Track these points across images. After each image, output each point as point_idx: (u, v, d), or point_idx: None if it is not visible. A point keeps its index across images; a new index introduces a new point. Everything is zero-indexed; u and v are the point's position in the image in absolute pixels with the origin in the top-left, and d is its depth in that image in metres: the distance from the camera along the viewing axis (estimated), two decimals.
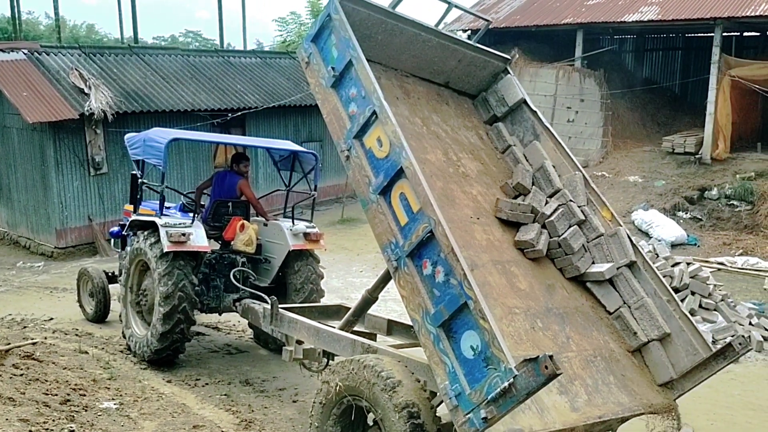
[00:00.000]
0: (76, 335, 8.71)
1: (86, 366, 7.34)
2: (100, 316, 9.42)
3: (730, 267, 12.86)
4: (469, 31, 18.77)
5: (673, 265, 9.80)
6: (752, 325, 9.43)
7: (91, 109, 13.71)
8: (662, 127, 20.18)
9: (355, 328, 6.33)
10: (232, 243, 8.01)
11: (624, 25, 18.83)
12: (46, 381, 6.56)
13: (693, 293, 9.42)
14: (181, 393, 6.99)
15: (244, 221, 8.09)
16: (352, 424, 4.91)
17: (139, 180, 8.26)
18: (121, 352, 8.05)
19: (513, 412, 3.87)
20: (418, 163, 4.54)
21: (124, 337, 8.06)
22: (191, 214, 7.77)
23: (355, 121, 4.91)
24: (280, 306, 6.70)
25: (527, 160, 5.94)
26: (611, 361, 4.95)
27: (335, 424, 4.93)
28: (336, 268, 12.57)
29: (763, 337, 9.15)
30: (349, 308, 6.51)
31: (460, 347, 4.10)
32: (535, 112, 6.08)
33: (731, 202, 15.63)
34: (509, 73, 6.26)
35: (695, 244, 14.40)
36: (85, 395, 6.44)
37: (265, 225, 8.28)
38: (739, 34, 21.01)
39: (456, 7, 5.84)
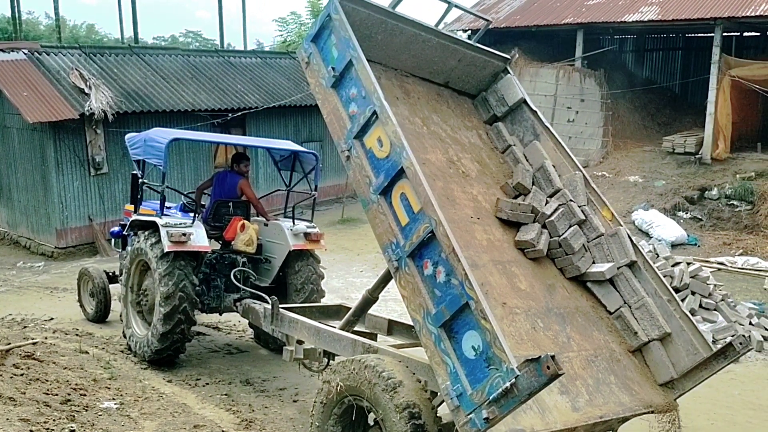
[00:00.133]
0: (77, 335, 8.71)
1: (87, 366, 7.35)
2: (100, 316, 9.43)
3: (730, 267, 12.87)
4: (469, 31, 18.77)
5: (673, 265, 9.81)
6: (752, 324, 9.44)
7: (91, 109, 13.72)
8: (662, 127, 20.18)
9: (356, 328, 6.33)
10: (232, 243, 8.01)
11: (624, 25, 18.84)
12: (47, 381, 6.56)
13: (693, 293, 9.42)
14: (181, 393, 6.99)
15: (245, 221, 8.09)
16: (353, 424, 4.91)
17: (140, 180, 8.26)
18: (122, 351, 8.05)
19: (514, 412, 3.87)
20: (419, 163, 4.54)
21: (125, 336, 8.06)
22: (192, 214, 7.77)
23: (355, 121, 4.91)
24: (280, 306, 6.71)
25: (527, 160, 5.94)
26: (612, 360, 4.95)
27: (336, 423, 4.93)
28: (336, 268, 12.57)
29: (763, 336, 9.16)
30: (350, 308, 6.51)
31: (461, 347, 4.10)
32: (535, 111, 6.08)
33: (731, 202, 15.64)
34: (509, 72, 6.26)
35: (695, 244, 14.40)
36: (85, 395, 6.44)
37: (266, 225, 8.28)
38: (739, 34, 21.02)
39: (456, 7, 5.83)
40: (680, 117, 20.62)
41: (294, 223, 8.13)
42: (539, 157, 5.87)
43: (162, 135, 7.84)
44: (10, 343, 7.46)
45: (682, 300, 9.02)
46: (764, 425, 6.94)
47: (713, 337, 8.49)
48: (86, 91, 14.08)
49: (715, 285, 9.78)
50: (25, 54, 14.63)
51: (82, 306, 9.69)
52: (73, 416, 5.85)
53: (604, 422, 4.50)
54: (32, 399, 5.97)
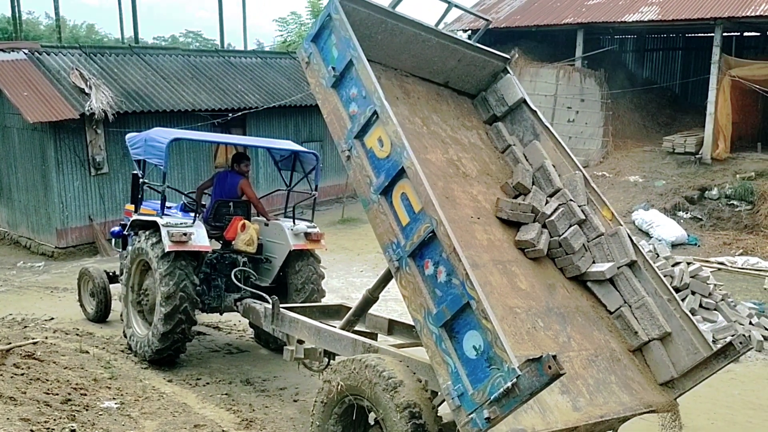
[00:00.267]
0: (77, 335, 8.71)
1: (87, 365, 7.35)
2: (100, 316, 9.43)
3: (731, 267, 12.87)
4: (469, 31, 18.78)
5: (673, 265, 9.81)
6: (752, 324, 9.45)
7: (91, 109, 13.71)
8: (662, 127, 20.19)
9: (356, 328, 6.34)
10: (233, 243, 8.01)
11: (624, 25, 18.85)
12: (47, 380, 6.57)
13: (693, 293, 9.43)
14: (182, 392, 7.00)
15: (245, 221, 8.09)
16: (354, 423, 4.92)
17: (140, 180, 8.26)
18: (122, 351, 8.06)
19: (515, 412, 3.87)
20: (419, 163, 4.54)
21: (125, 336, 8.07)
22: (192, 214, 7.78)
23: (355, 121, 4.91)
24: (281, 306, 6.71)
25: (527, 160, 5.94)
26: (612, 360, 4.95)
27: (336, 423, 4.93)
28: (337, 267, 12.58)
29: (763, 336, 9.16)
30: (350, 308, 6.52)
31: (462, 347, 4.10)
32: (535, 111, 6.08)
33: (731, 202, 15.64)
34: (509, 72, 6.26)
35: (695, 244, 14.40)
36: (86, 395, 6.45)
37: (266, 225, 8.29)
38: (739, 34, 21.03)
39: (456, 6, 5.84)
40: (680, 117, 20.63)
41: (294, 222, 8.13)
42: (539, 156, 5.88)
43: (162, 135, 7.84)
44: (10, 343, 7.47)
45: (683, 300, 9.02)
46: (764, 425, 6.95)
47: (713, 337, 8.49)
48: (86, 91, 14.08)
49: (715, 285, 9.79)
50: (25, 54, 14.63)
51: (82, 306, 9.69)
52: (74, 416, 5.85)
53: (604, 422, 4.51)
54: (33, 399, 5.97)
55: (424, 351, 4.42)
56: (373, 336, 6.42)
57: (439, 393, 4.45)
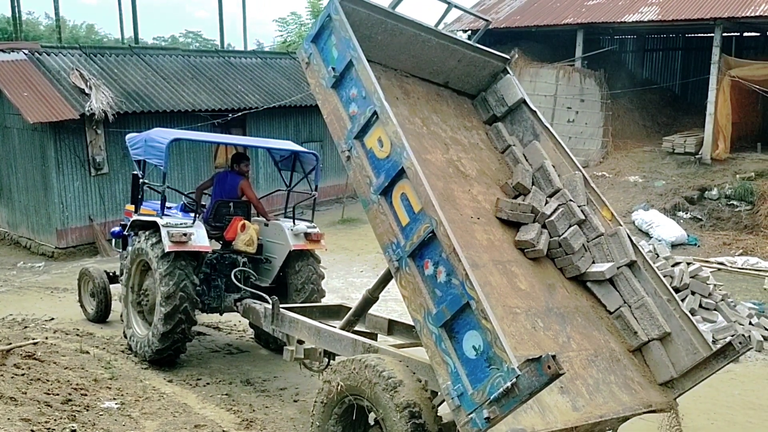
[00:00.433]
0: (77, 335, 8.72)
1: (87, 366, 7.36)
2: (101, 316, 9.43)
3: (730, 267, 12.87)
4: (469, 31, 18.78)
5: (673, 265, 9.81)
6: (752, 324, 9.45)
7: (91, 109, 13.72)
8: (662, 127, 20.18)
9: (356, 328, 6.34)
10: (233, 243, 8.02)
11: (624, 25, 18.85)
12: (48, 381, 6.57)
13: (693, 293, 9.43)
14: (182, 393, 7.00)
15: (245, 221, 8.10)
16: (354, 423, 4.92)
17: (140, 180, 8.27)
18: (123, 351, 8.06)
19: (515, 412, 3.88)
20: (419, 163, 4.55)
21: (125, 337, 8.07)
22: (192, 214, 7.78)
23: (355, 121, 4.91)
24: (281, 306, 6.71)
25: (527, 160, 5.95)
26: (612, 360, 4.96)
27: (336, 423, 4.94)
28: (336, 268, 12.58)
29: (763, 336, 9.17)
30: (350, 308, 6.52)
31: (462, 347, 4.10)
32: (535, 111, 6.08)
33: (731, 202, 15.64)
34: (508, 72, 6.26)
35: (695, 244, 14.40)
36: (86, 395, 6.45)
37: (266, 225, 8.29)
38: (739, 34, 21.03)
39: (456, 7, 5.84)
40: (680, 117, 20.63)
41: (294, 223, 8.14)
42: (539, 157, 5.88)
43: (162, 135, 7.85)
44: (11, 343, 7.47)
45: (682, 300, 9.03)
46: (764, 425, 6.95)
47: (713, 337, 8.50)
48: (86, 91, 14.09)
49: (715, 285, 9.79)
50: (25, 54, 14.64)
51: (82, 306, 9.70)
52: (74, 416, 5.86)
53: (604, 422, 4.51)
54: (33, 399, 5.98)
55: (424, 351, 4.42)
56: (373, 336, 6.43)
57: (438, 393, 4.46)
